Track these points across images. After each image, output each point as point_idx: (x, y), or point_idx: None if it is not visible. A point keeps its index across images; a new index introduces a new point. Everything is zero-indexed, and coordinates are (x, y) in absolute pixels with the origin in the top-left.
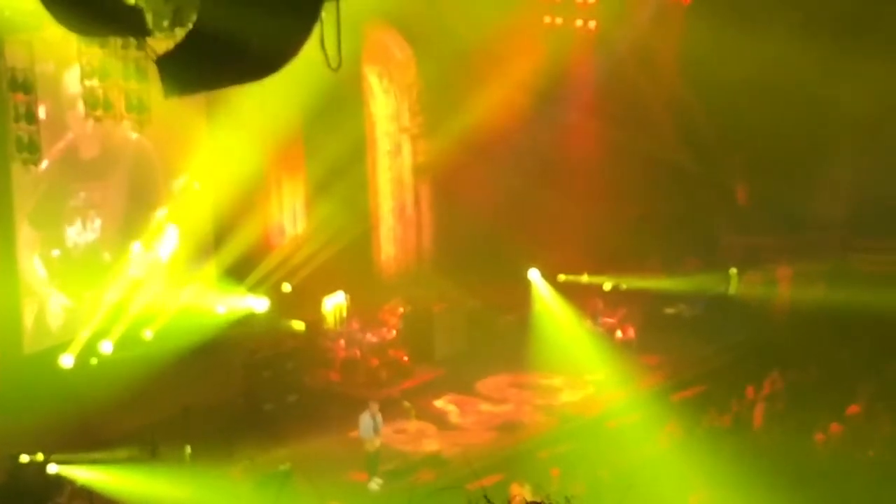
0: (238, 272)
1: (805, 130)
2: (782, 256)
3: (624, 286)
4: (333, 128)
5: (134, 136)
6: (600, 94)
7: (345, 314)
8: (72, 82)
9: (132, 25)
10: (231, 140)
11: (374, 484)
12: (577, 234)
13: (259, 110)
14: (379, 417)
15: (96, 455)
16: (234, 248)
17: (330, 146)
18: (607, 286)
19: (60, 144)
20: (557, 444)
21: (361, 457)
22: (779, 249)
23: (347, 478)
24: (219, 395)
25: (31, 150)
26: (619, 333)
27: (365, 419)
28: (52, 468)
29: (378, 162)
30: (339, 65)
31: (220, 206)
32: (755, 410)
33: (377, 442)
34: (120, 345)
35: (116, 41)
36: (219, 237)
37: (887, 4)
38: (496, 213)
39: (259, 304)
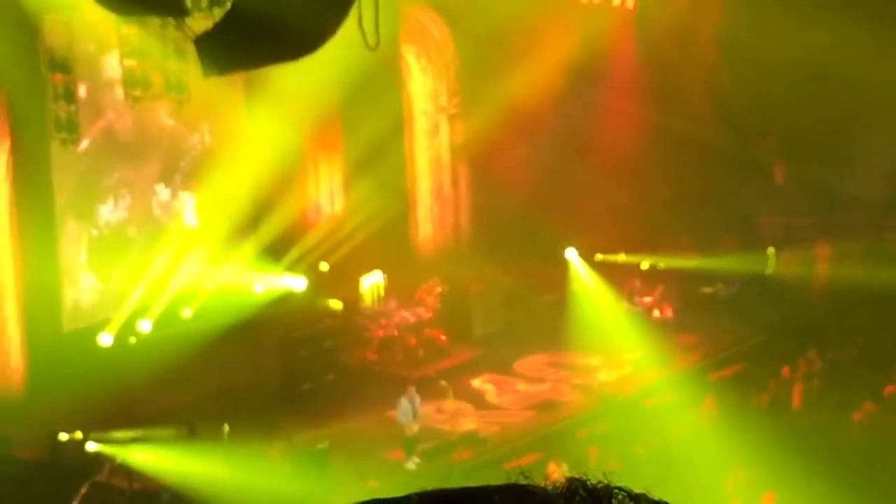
0: (276, 251)
1: (842, 110)
2: (820, 236)
3: (661, 265)
4: (371, 107)
5: (172, 118)
6: (638, 73)
7: (382, 293)
8: (111, 62)
9: (171, 5)
10: (269, 119)
11: (412, 463)
12: (614, 213)
13: (297, 90)
14: (417, 401)
15: (135, 433)
16: (273, 227)
17: (368, 126)
18: (644, 265)
19: (100, 124)
20: (595, 424)
21: (398, 436)
22: (816, 229)
23: (385, 456)
24: (257, 374)
25: (70, 129)
26: (656, 313)
27: (403, 404)
28: (91, 446)
29: (416, 141)
30: (377, 44)
31: (259, 186)
32: (793, 390)
33: (415, 428)
34: (159, 323)
35: (155, 21)
36: (257, 216)
37: None
38: (533, 193)
39: (297, 283)
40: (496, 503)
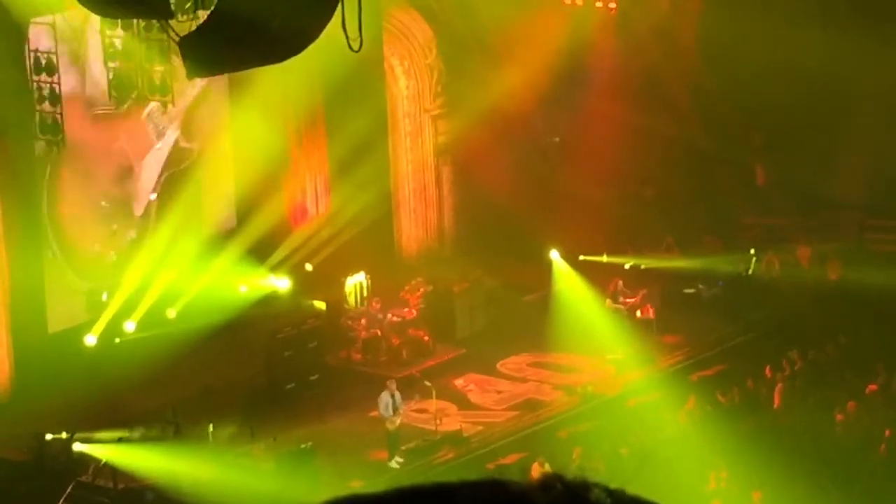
0: (260, 252)
1: (824, 111)
2: (801, 236)
3: (644, 266)
4: (355, 109)
5: (156, 119)
6: (620, 74)
7: (366, 294)
8: (95, 64)
9: (155, 7)
10: (253, 121)
11: (395, 462)
12: (597, 214)
13: (281, 91)
14: (398, 396)
15: (120, 433)
16: (257, 227)
17: (351, 127)
18: (627, 266)
19: (84, 125)
20: (578, 423)
21: (382, 436)
22: (797, 229)
23: (369, 456)
24: (241, 374)
25: (55, 131)
26: (638, 313)
27: (384, 398)
28: (76, 446)
29: (399, 142)
30: (361, 46)
31: (243, 187)
32: (774, 390)
33: (397, 421)
34: (143, 324)
35: (139, 23)
36: (241, 217)
37: None
38: (517, 194)
39: (281, 283)
40: (473, 497)
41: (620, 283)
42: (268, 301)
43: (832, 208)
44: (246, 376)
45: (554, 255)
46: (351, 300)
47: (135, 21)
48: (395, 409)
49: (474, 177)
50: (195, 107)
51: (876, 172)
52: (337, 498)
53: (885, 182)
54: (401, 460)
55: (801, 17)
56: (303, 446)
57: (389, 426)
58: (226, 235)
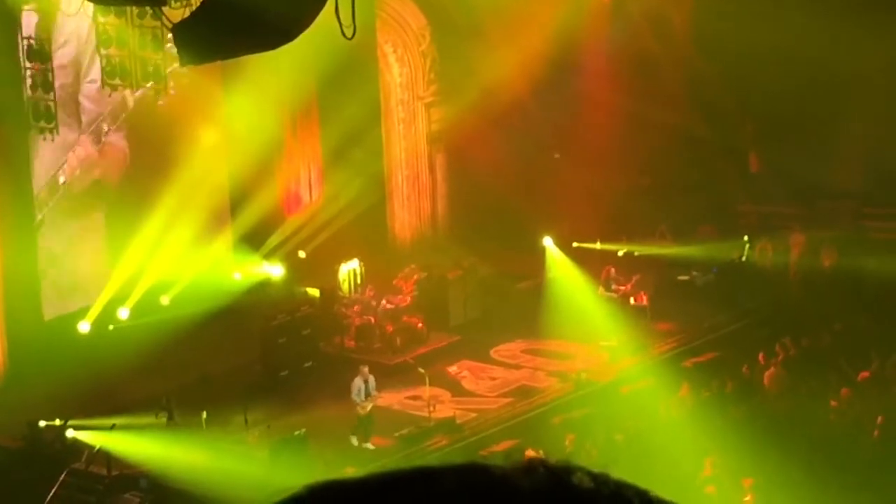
0: (254, 239)
1: (819, 98)
2: (795, 224)
3: (637, 253)
4: (348, 96)
5: (152, 104)
6: (614, 62)
7: (360, 281)
8: (89, 51)
9: None
10: (247, 108)
11: (370, 444)
12: (590, 201)
13: (275, 79)
14: (372, 381)
15: (114, 420)
16: (251, 215)
17: (345, 114)
18: (621, 253)
19: (77, 113)
20: (571, 410)
21: (379, 423)
22: (792, 217)
23: (362, 443)
24: (235, 361)
25: (48, 118)
26: (632, 300)
27: (357, 383)
28: (70, 433)
29: (393, 130)
30: (354, 33)
31: (237, 174)
32: (767, 376)
33: (368, 406)
34: (137, 311)
35: (132, 10)
36: (235, 204)
37: None
38: (510, 181)
39: (275, 270)
40: (455, 481)
41: (612, 270)
42: (261, 288)
43: (828, 196)
44: (240, 363)
45: (547, 242)
46: (345, 287)
47: (128, 8)
48: (368, 395)
49: (468, 164)
50: (189, 94)
51: (872, 161)
52: (320, 482)
53: (881, 170)
54: (370, 445)
55: (797, 3)
56: (296, 433)
57: (360, 411)
58: (219, 222)
